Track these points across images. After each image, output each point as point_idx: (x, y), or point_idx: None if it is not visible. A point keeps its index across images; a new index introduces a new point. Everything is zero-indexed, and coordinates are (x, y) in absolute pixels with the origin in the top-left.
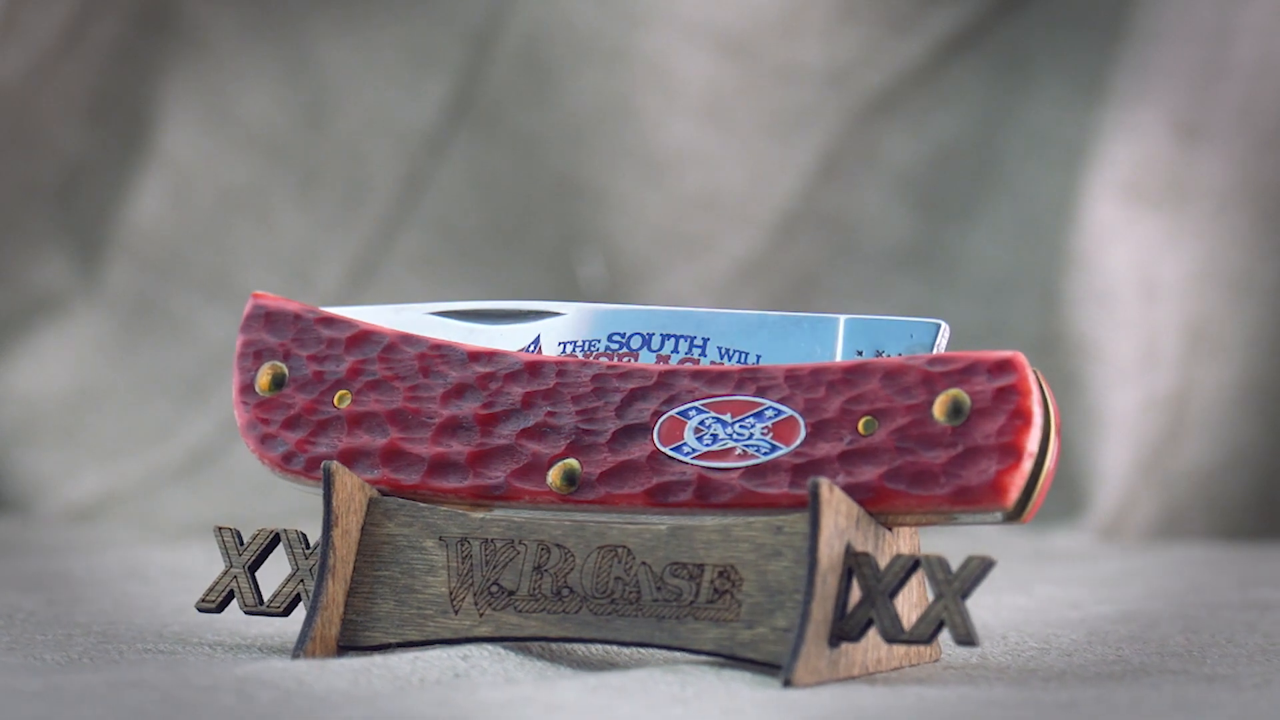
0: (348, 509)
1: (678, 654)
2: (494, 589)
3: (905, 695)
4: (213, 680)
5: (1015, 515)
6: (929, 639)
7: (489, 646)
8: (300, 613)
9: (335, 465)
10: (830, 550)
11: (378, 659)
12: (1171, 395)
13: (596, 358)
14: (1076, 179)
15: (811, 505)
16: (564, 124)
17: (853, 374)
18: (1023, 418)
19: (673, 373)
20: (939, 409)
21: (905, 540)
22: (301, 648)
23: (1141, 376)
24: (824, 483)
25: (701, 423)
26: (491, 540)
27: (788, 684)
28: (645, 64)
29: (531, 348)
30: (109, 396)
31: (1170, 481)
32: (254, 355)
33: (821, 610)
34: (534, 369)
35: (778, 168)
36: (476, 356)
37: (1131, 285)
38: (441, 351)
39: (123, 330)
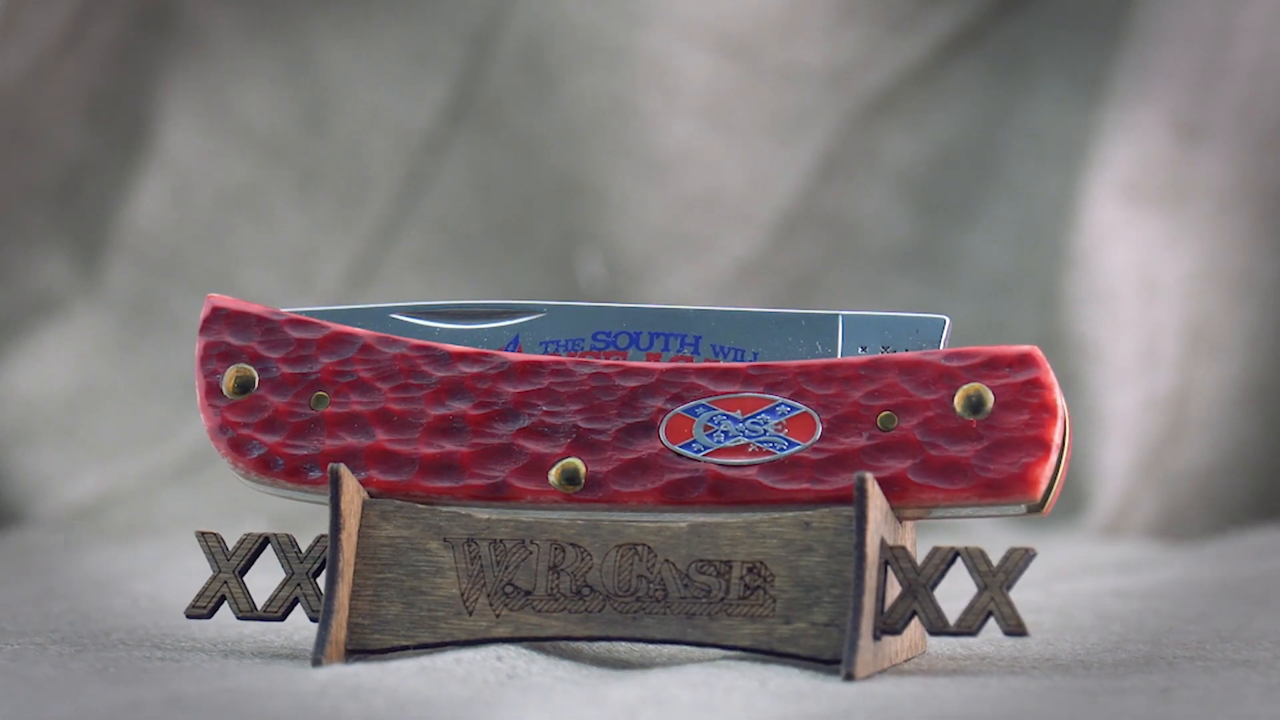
0: (351, 512)
1: (701, 650)
2: (509, 589)
3: (989, 687)
4: (319, 686)
5: (1038, 507)
6: (976, 630)
7: (512, 647)
8: (297, 616)
9: (342, 468)
10: (873, 544)
11: (424, 661)
12: (1171, 395)
13: (583, 357)
14: (1076, 179)
15: (858, 500)
16: (564, 124)
17: (868, 370)
18: (1048, 410)
19: (676, 370)
20: (960, 403)
21: (908, 534)
22: (322, 653)
23: (1141, 376)
24: (869, 477)
25: (711, 420)
26: (500, 541)
27: (849, 678)
28: (645, 64)
29: (510, 348)
30: (109, 396)
31: (1170, 481)
32: (218, 358)
33: (869, 604)
34: (526, 368)
35: (778, 168)
36: (462, 357)
37: (1131, 285)
38: (423, 352)
39: (123, 330)
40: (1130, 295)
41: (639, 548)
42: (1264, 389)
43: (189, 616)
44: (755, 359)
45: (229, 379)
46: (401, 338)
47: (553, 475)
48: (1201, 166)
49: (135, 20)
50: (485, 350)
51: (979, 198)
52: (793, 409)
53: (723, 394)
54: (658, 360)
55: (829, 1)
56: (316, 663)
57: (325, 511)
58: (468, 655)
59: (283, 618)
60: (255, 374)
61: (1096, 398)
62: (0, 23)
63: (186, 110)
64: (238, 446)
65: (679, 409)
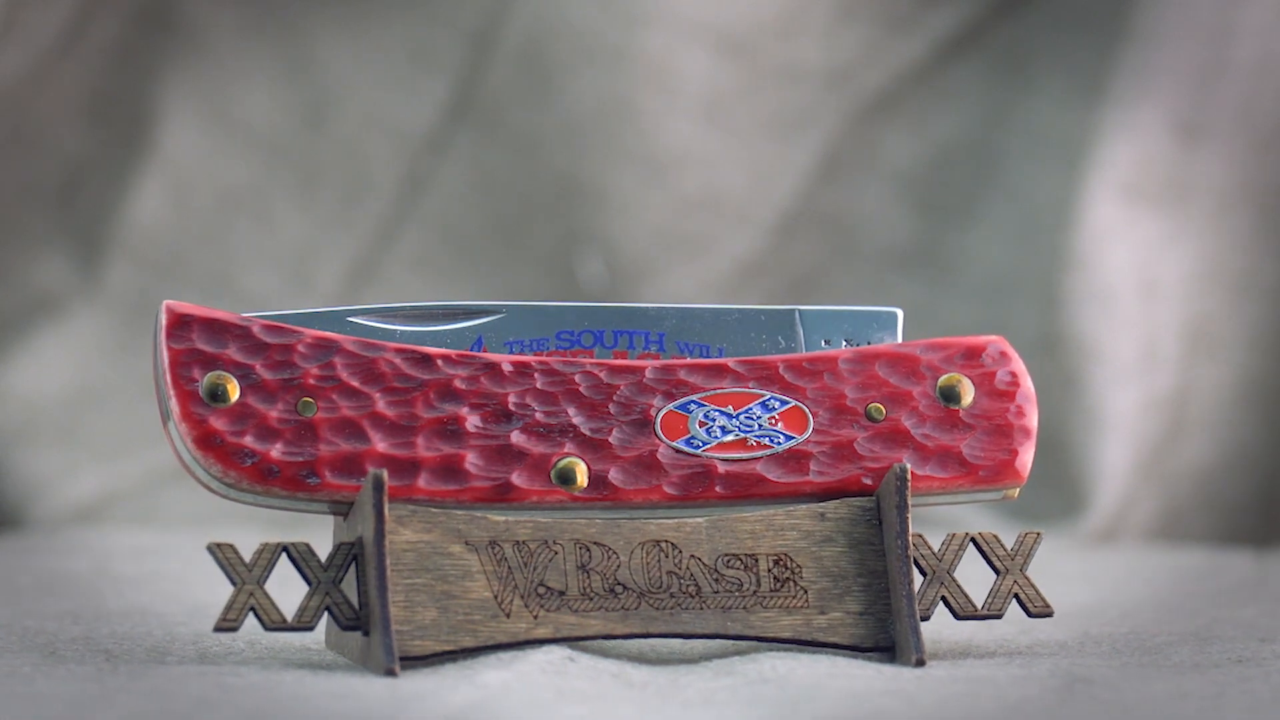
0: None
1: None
2: (541, 590)
3: (1097, 669)
4: (454, 695)
5: (1013, 493)
6: (1003, 613)
7: (558, 648)
8: (325, 625)
9: (384, 474)
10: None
11: (492, 661)
12: (1171, 395)
13: (567, 356)
14: (1076, 179)
15: (900, 489)
16: (564, 124)
17: (851, 363)
18: (1027, 398)
19: (664, 367)
20: (944, 393)
21: None
22: (393, 661)
23: (1141, 376)
24: (908, 466)
25: (705, 415)
26: (523, 542)
27: (920, 664)
28: (645, 64)
29: (474, 349)
30: (109, 396)
31: (1170, 481)
32: (194, 366)
33: (913, 591)
34: (513, 369)
35: (778, 168)
36: (445, 359)
37: (1131, 285)
38: (405, 355)
39: (123, 330)
40: (1130, 295)
41: (663, 544)
42: (1264, 389)
43: (218, 630)
44: (720, 355)
45: (205, 386)
46: (380, 341)
47: (553, 475)
48: (1201, 166)
49: (135, 20)
50: (466, 352)
51: (979, 198)
52: (783, 403)
53: (712, 390)
54: (624, 358)
55: (829, 1)
56: (390, 672)
57: (311, 518)
58: (539, 656)
59: (313, 628)
60: (235, 381)
61: (1096, 398)
62: (0, 23)
63: (186, 110)
64: (229, 456)
65: (671, 405)
